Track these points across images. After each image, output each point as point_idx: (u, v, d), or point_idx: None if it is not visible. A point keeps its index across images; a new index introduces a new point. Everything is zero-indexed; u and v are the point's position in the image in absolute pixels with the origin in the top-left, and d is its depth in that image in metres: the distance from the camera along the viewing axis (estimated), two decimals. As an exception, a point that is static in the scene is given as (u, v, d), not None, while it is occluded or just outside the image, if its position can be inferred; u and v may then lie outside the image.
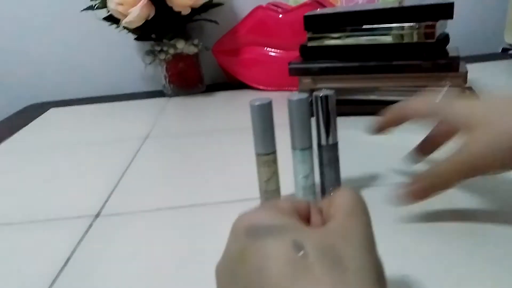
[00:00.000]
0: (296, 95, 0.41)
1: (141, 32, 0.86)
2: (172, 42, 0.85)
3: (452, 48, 0.68)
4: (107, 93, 1.03)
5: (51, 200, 0.52)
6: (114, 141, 0.70)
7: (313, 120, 0.42)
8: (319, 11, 0.70)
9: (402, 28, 0.64)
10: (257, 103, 0.41)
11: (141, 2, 0.76)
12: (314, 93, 0.41)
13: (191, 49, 0.87)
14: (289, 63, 0.70)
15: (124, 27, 0.82)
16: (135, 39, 0.88)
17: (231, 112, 0.78)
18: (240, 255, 0.23)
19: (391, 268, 0.27)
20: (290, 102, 0.41)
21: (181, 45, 0.86)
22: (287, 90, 0.84)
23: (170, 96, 0.92)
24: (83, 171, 0.60)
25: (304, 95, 0.41)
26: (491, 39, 1.01)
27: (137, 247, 0.41)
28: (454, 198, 0.43)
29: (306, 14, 0.67)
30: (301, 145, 0.42)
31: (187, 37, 0.88)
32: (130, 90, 1.02)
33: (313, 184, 0.44)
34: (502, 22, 0.94)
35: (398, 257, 0.35)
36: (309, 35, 0.69)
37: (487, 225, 0.38)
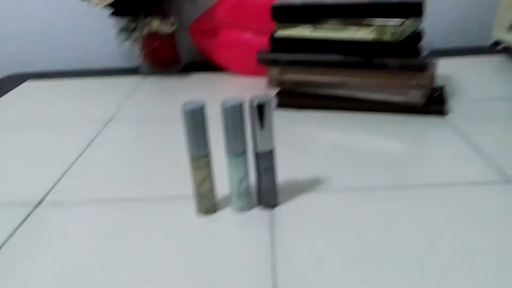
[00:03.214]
0: (230, 100, 0.40)
1: (116, 9, 0.84)
2: (146, 20, 0.84)
3: (426, 45, 0.66)
4: (86, 66, 1.02)
5: (-5, 185, 0.52)
6: (77, 121, 0.70)
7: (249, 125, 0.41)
8: (287, 1, 0.68)
9: (370, 24, 0.62)
10: (188, 108, 0.40)
11: (112, -21, 0.73)
12: (250, 100, 0.41)
13: (166, 28, 0.85)
14: (257, 53, 0.69)
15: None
16: (110, 15, 0.86)
17: (203, 97, 0.77)
18: None
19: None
20: (224, 107, 0.40)
21: (155, 24, 0.84)
22: (262, 76, 0.82)
23: (145, 74, 0.91)
24: (36, 153, 0.60)
25: (238, 101, 0.40)
26: (482, 31, 0.98)
27: (70, 242, 0.41)
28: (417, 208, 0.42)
29: (273, 4, 0.65)
30: (235, 151, 0.42)
31: (164, 15, 0.86)
32: (108, 65, 1.01)
33: (248, 188, 0.43)
34: (493, 15, 0.91)
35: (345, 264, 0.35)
36: (277, 25, 0.67)
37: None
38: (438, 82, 0.74)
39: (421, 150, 0.54)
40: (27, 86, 0.91)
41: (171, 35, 0.89)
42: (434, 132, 0.59)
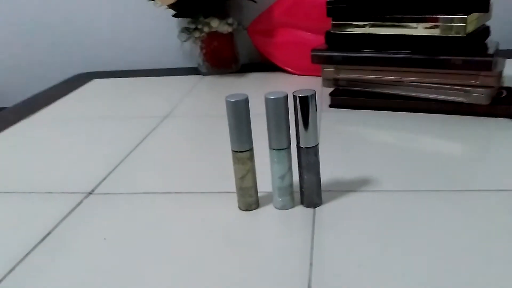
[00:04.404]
0: (273, 93, 0.40)
1: (178, 9, 0.86)
2: (206, 20, 0.85)
3: (492, 43, 0.61)
4: (150, 66, 1.06)
5: (53, 173, 0.55)
6: (136, 116, 0.72)
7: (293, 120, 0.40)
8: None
9: (432, 20, 0.58)
10: (232, 99, 0.40)
11: (173, -20, 0.76)
12: (294, 93, 0.40)
13: (225, 28, 0.86)
14: (312, 50, 0.67)
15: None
16: (173, 15, 0.89)
17: (259, 96, 0.77)
18: None
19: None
20: (266, 100, 0.40)
21: (215, 24, 0.85)
22: (319, 75, 0.81)
23: (204, 74, 0.93)
24: (96, 145, 0.62)
25: (282, 94, 0.40)
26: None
27: (114, 232, 0.42)
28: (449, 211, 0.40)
29: (328, 0, 0.64)
30: (277, 146, 0.41)
31: (224, 16, 0.88)
32: (171, 65, 1.04)
33: (290, 185, 0.43)
34: None
35: (390, 268, 0.33)
36: (333, 21, 0.65)
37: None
38: (505, 82, 0.69)
39: (483, 154, 0.51)
40: (94, 84, 0.96)
41: (230, 35, 0.90)
42: (499, 135, 0.55)
